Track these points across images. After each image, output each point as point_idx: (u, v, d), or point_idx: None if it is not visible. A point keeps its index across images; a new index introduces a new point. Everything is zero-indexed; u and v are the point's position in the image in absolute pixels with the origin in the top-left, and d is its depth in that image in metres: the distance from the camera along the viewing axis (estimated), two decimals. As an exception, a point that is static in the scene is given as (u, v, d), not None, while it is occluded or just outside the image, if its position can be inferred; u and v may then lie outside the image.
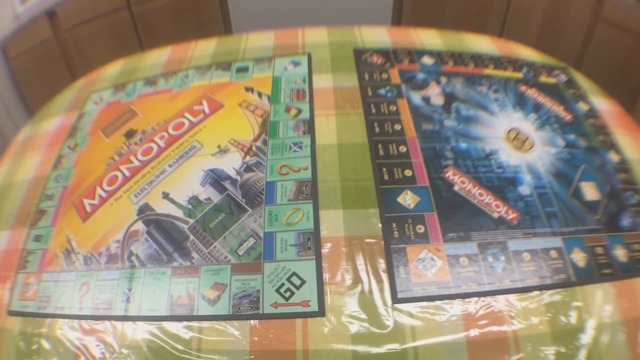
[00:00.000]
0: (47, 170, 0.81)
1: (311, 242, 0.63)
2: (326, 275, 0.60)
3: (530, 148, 0.75)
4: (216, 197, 0.70)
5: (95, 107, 0.91)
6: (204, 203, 0.69)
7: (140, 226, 0.69)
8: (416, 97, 0.82)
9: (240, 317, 0.58)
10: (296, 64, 0.90)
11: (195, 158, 0.75)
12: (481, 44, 0.97)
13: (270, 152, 0.74)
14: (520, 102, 0.82)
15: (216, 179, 0.72)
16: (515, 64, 0.91)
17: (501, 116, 0.79)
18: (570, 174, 0.71)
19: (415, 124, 0.77)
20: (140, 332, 0.59)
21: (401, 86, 0.84)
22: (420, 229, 0.64)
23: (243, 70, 0.90)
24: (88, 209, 0.73)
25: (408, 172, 0.70)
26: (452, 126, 0.77)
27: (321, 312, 0.58)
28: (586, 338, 0.56)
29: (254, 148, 0.75)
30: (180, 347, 0.57)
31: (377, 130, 0.76)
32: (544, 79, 0.89)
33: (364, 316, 0.57)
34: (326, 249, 0.63)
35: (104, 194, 0.74)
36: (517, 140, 0.75)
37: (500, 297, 0.58)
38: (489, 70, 0.88)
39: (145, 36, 1.48)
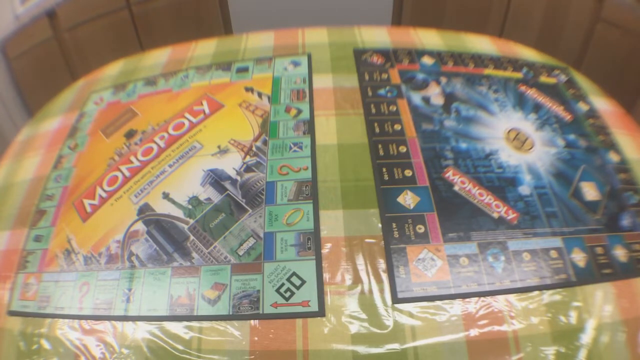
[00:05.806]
0: (47, 170, 0.81)
1: (311, 242, 0.63)
2: (326, 276, 0.60)
3: (530, 148, 0.74)
4: (216, 197, 0.70)
5: (95, 107, 0.91)
6: (204, 203, 0.69)
7: (140, 226, 0.69)
8: (416, 97, 0.82)
9: (240, 317, 0.58)
10: (296, 64, 0.90)
11: (196, 158, 0.75)
12: (481, 44, 0.97)
13: (270, 152, 0.74)
14: (520, 102, 0.82)
15: (216, 179, 0.72)
16: (515, 64, 0.91)
17: (501, 116, 0.79)
18: (570, 174, 0.71)
19: (415, 124, 0.77)
20: (140, 332, 0.59)
21: (401, 86, 0.84)
22: (420, 229, 0.64)
23: (243, 70, 0.90)
24: (88, 209, 0.73)
25: (408, 172, 0.70)
26: (452, 126, 0.77)
27: (321, 312, 0.58)
28: (586, 338, 0.56)
29: (254, 148, 0.75)
30: (180, 347, 0.57)
31: (377, 130, 0.76)
32: (544, 79, 0.89)
33: (364, 316, 0.57)
34: (326, 249, 0.63)
35: (104, 194, 0.74)
36: (517, 140, 0.75)
37: (500, 297, 0.58)
38: (489, 71, 0.88)
39: (145, 36, 1.48)
